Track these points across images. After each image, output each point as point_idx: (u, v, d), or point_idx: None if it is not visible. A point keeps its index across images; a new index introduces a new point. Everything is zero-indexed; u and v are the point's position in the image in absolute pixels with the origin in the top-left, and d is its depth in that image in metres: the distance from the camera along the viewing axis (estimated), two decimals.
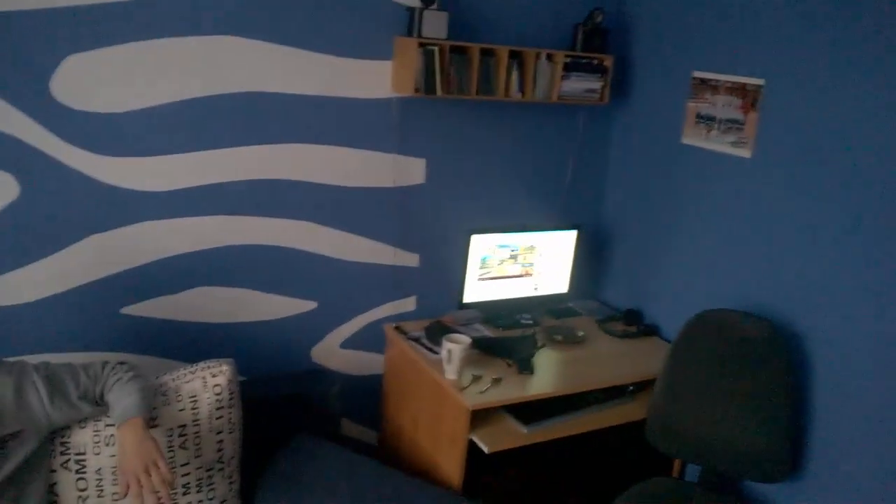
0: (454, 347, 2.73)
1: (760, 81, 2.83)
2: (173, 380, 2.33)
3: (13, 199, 2.47)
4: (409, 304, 3.33)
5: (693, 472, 3.22)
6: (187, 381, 2.32)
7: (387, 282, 3.25)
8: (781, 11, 2.76)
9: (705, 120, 3.08)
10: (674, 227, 3.31)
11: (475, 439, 2.69)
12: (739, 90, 2.92)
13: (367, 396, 3.36)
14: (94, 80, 2.49)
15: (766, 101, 2.83)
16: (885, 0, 2.41)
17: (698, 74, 3.11)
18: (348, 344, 3.24)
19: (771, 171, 2.83)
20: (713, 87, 3.03)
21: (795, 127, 2.73)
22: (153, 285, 2.77)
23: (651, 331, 3.42)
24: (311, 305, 3.10)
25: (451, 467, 2.77)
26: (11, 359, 2.04)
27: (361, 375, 3.32)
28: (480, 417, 2.76)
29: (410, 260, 3.28)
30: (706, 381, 2.73)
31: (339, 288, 3.15)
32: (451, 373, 2.77)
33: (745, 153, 2.91)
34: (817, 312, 2.69)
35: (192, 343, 2.89)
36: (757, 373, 2.65)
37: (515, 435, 2.74)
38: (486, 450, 2.64)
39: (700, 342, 2.77)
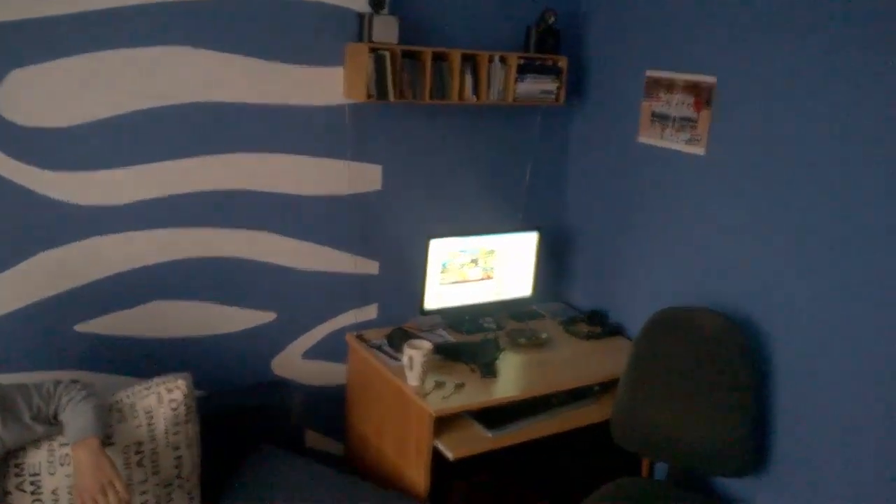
0: (415, 353, 2.77)
1: (712, 79, 2.92)
2: (128, 396, 2.35)
3: None
4: (370, 311, 3.37)
5: (662, 470, 3.29)
6: (143, 398, 2.34)
7: (347, 290, 3.29)
8: (732, 9, 2.84)
9: (660, 118, 3.16)
10: (634, 226, 3.38)
11: (439, 446, 2.73)
12: (693, 88, 3.00)
13: (330, 407, 3.39)
14: (40, 94, 2.50)
15: (718, 99, 2.92)
16: None
17: (652, 73, 3.19)
18: (310, 354, 3.26)
19: (724, 167, 2.92)
20: (667, 85, 3.12)
21: (747, 123, 2.82)
22: (107, 301, 2.78)
23: (616, 331, 3.49)
24: (270, 316, 3.13)
25: (417, 475, 2.80)
26: None
27: (324, 386, 3.35)
28: (445, 424, 2.80)
29: (370, 267, 3.32)
30: (669, 378, 2.80)
31: (299, 298, 3.18)
32: (413, 379, 2.81)
33: (699, 150, 3.00)
34: (776, 306, 2.77)
35: (149, 359, 2.90)
36: (718, 368, 2.72)
37: (480, 440, 2.78)
38: (450, 456, 2.68)
39: (661, 340, 2.85)
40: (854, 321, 2.52)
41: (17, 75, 2.46)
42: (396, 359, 2.99)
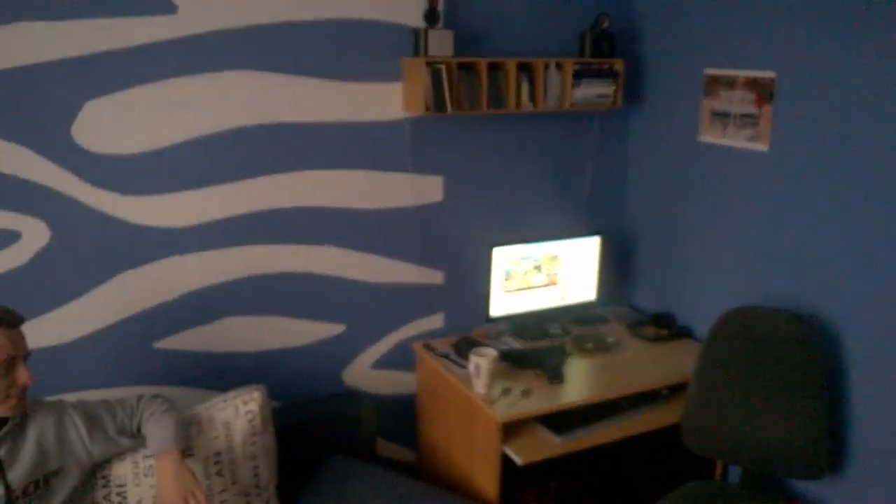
0: (481, 361, 2.83)
1: (772, 74, 2.91)
2: (206, 409, 2.46)
3: (45, 244, 2.65)
4: (436, 321, 3.45)
5: (735, 474, 3.27)
6: (220, 410, 2.46)
7: (413, 300, 3.37)
8: (789, 3, 2.83)
9: (721, 116, 3.16)
10: (697, 226, 3.38)
11: (508, 452, 2.78)
12: (753, 84, 3.00)
13: (401, 415, 3.47)
14: (113, 123, 2.66)
15: (779, 94, 2.90)
16: None
17: (710, 71, 3.19)
18: (379, 364, 3.35)
19: (789, 162, 2.90)
20: (727, 83, 3.11)
21: (810, 117, 2.80)
22: (183, 319, 2.92)
23: (683, 333, 3.48)
24: (339, 328, 3.23)
25: (487, 482, 2.86)
26: (50, 398, 2.19)
27: (395, 395, 3.43)
28: (513, 430, 2.85)
29: (435, 277, 3.40)
30: (739, 380, 2.79)
31: (367, 309, 3.27)
32: (480, 387, 2.86)
33: (762, 147, 2.98)
34: (845, 304, 2.74)
35: (224, 373, 3.03)
36: (789, 368, 2.70)
37: (549, 446, 2.82)
38: (519, 462, 2.72)
39: (730, 341, 2.84)
40: None
41: (91, 106, 2.61)
42: (463, 367, 3.05)
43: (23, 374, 1.97)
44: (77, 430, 2.15)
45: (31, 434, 2.06)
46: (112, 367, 2.83)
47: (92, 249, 2.72)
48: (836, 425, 2.80)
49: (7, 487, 1.97)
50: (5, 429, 2.00)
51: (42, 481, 2.05)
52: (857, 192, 2.66)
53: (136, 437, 2.27)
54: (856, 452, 2.76)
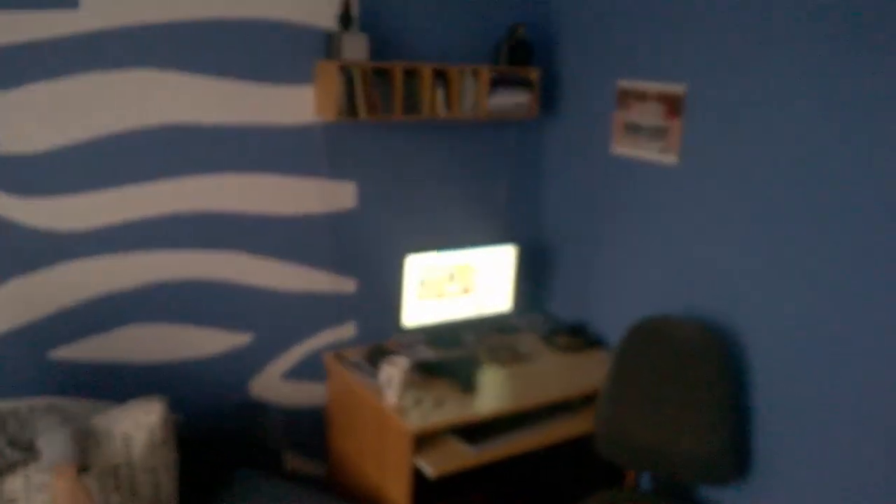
0: (393, 371, 2.83)
1: (682, 87, 3.01)
2: (105, 421, 2.40)
3: None
4: (348, 330, 3.43)
5: (647, 481, 3.35)
6: (119, 422, 2.39)
7: (324, 309, 3.35)
8: (701, 18, 2.94)
9: (633, 129, 3.25)
10: (611, 237, 3.46)
11: (420, 463, 2.78)
12: (664, 97, 3.09)
13: (311, 427, 3.43)
14: (11, 120, 2.56)
15: (688, 107, 3.00)
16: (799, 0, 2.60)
17: (623, 84, 3.28)
18: (288, 375, 3.32)
19: (697, 175, 3.00)
20: (639, 95, 3.20)
21: (718, 131, 2.90)
22: (81, 326, 2.83)
23: (596, 342, 3.56)
24: (247, 338, 3.18)
25: (399, 495, 2.85)
26: None
27: (304, 406, 3.40)
28: (426, 442, 2.85)
29: (347, 285, 3.38)
30: (649, 388, 2.86)
31: (276, 318, 3.23)
32: (392, 397, 2.86)
33: (672, 159, 3.08)
34: (754, 313, 2.85)
35: (125, 384, 2.94)
36: (698, 376, 2.79)
37: (462, 456, 2.83)
38: (430, 473, 2.73)
39: (640, 350, 2.91)
40: (832, 327, 2.59)
41: None
42: (375, 377, 3.04)
43: None
44: None
45: None
46: (4, 377, 2.72)
47: None
48: (742, 432, 2.90)
49: None
50: None
51: None
52: (763, 205, 2.77)
53: (29, 451, 2.19)
54: (761, 458, 2.87)
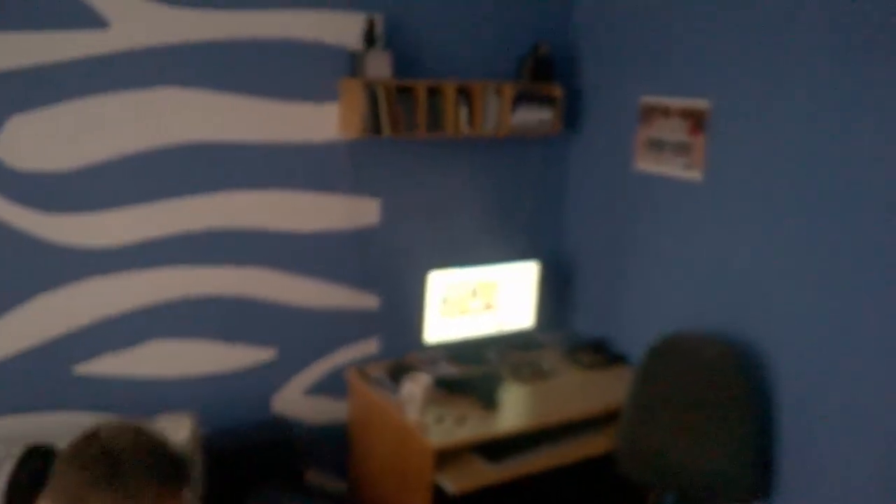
0: (415, 387, 2.85)
1: (706, 103, 3.03)
2: None
3: None
4: (371, 346, 3.46)
5: (670, 501, 3.35)
6: None
7: (347, 325, 3.38)
8: (725, 34, 2.95)
9: (656, 145, 3.26)
10: (634, 253, 3.47)
11: (441, 481, 2.80)
12: (687, 113, 3.11)
13: (332, 444, 3.47)
14: (39, 139, 2.63)
15: (712, 123, 3.02)
16: (823, 16, 2.61)
17: (646, 100, 3.30)
18: (311, 391, 3.35)
19: (721, 191, 3.01)
20: (662, 111, 3.22)
21: (742, 146, 2.91)
22: (106, 342, 2.88)
23: (619, 359, 3.56)
24: (270, 353, 3.22)
25: None
26: None
27: (326, 422, 3.43)
28: (447, 459, 2.87)
29: (370, 301, 3.42)
30: (672, 406, 2.86)
31: (299, 334, 3.27)
32: (413, 413, 2.89)
33: (696, 175, 3.09)
34: (779, 330, 2.84)
35: (149, 398, 2.99)
36: (721, 394, 2.78)
37: (483, 474, 2.85)
38: (452, 490, 2.75)
39: (662, 368, 2.92)
40: (860, 344, 2.59)
41: (16, 121, 2.58)
42: (397, 393, 3.07)
43: None
44: None
45: None
46: (30, 392, 2.78)
47: (9, 269, 2.67)
48: (767, 450, 2.89)
49: None
50: None
51: None
52: (788, 222, 2.77)
53: None
54: (786, 477, 2.86)
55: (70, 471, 1.26)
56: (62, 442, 2.47)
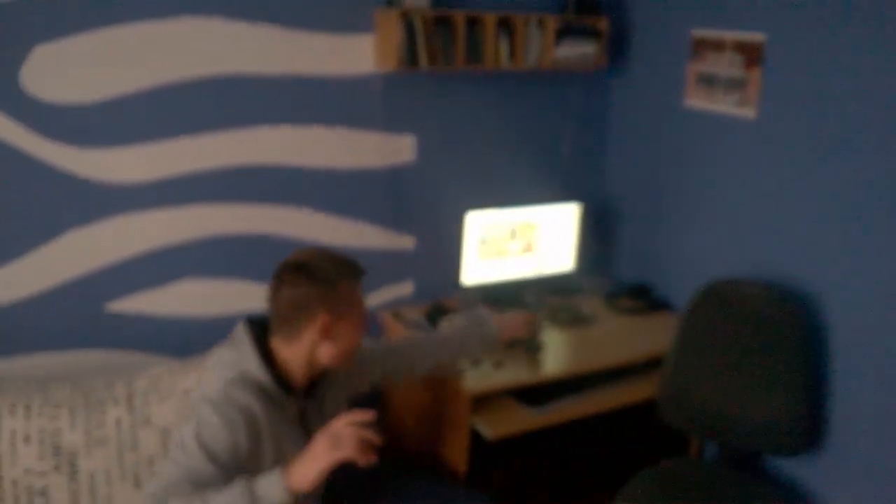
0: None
1: (762, 36, 2.88)
2: (168, 373, 2.41)
3: None
4: (406, 288, 3.41)
5: (712, 451, 3.29)
6: (181, 375, 2.41)
7: (382, 266, 3.32)
8: None
9: (707, 80, 3.13)
10: (680, 195, 3.36)
11: (478, 425, 2.76)
12: (742, 47, 2.96)
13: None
14: (64, 70, 2.57)
15: (768, 57, 2.88)
16: None
17: (697, 33, 3.15)
18: None
19: (776, 130, 2.88)
20: (715, 45, 3.08)
21: (800, 83, 2.77)
22: (137, 279, 2.85)
23: (661, 305, 3.48)
24: None
25: (456, 456, 2.83)
26: None
27: None
28: (484, 404, 2.81)
29: (405, 242, 3.36)
30: (718, 353, 2.79)
31: None
32: None
33: (749, 113, 2.96)
34: (832, 277, 2.74)
35: (180, 338, 2.97)
36: (770, 342, 2.70)
37: (521, 420, 2.79)
38: (489, 435, 2.71)
39: (708, 314, 2.83)
40: None
41: (41, 51, 2.52)
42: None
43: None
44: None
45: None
46: (61, 329, 2.76)
47: (39, 203, 2.64)
48: (816, 401, 2.81)
49: None
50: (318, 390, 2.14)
51: None
52: (847, 163, 2.64)
53: None
54: (835, 430, 2.78)
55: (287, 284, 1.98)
56: (93, 379, 2.47)
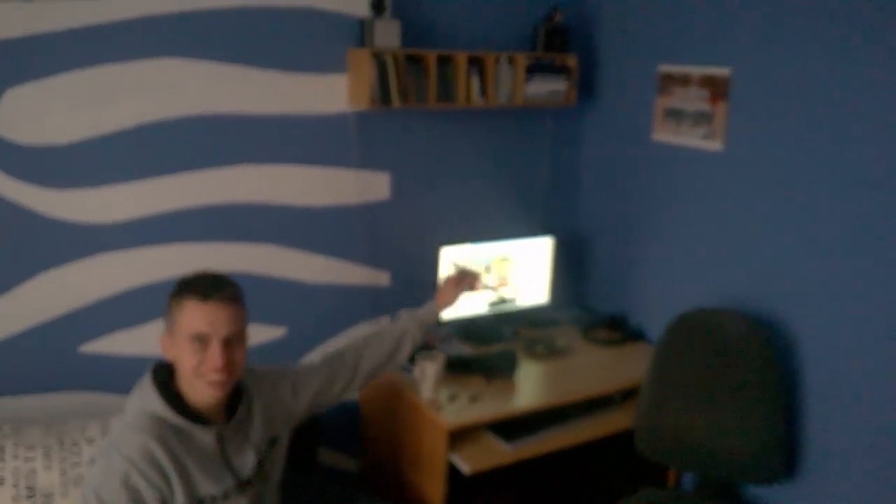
0: (428, 365, 2.80)
1: (726, 71, 2.94)
2: None
3: None
4: (382, 324, 3.41)
5: (690, 482, 3.30)
6: None
7: (358, 302, 3.33)
8: None
9: (675, 114, 3.19)
10: (652, 227, 3.41)
11: (455, 460, 2.75)
12: (708, 81, 3.03)
13: (344, 423, 3.42)
14: (38, 111, 2.57)
15: (733, 91, 2.94)
16: None
17: (664, 68, 3.22)
18: None
19: (743, 162, 2.94)
20: (681, 80, 3.14)
21: (766, 115, 2.83)
22: (112, 320, 2.84)
23: (636, 336, 3.51)
24: (280, 331, 3.18)
25: (433, 491, 2.83)
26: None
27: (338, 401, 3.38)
28: (461, 438, 2.82)
29: (381, 278, 3.37)
30: (693, 383, 2.81)
31: (309, 311, 3.22)
32: (426, 392, 2.84)
33: (716, 146, 3.02)
34: (802, 306, 2.78)
35: None
36: (744, 371, 2.73)
37: (498, 453, 2.80)
38: (466, 470, 2.70)
39: (683, 344, 2.86)
40: (884, 319, 2.52)
41: (13, 93, 2.53)
42: (409, 371, 3.02)
43: (214, 356, 1.88)
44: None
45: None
46: (34, 372, 2.74)
47: (11, 245, 2.62)
48: (792, 429, 2.83)
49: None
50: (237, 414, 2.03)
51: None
52: (813, 193, 2.69)
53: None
54: (812, 457, 2.80)
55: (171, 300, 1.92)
56: (67, 421, 2.45)
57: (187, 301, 1.89)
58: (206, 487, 1.91)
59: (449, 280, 2.75)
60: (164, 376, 1.95)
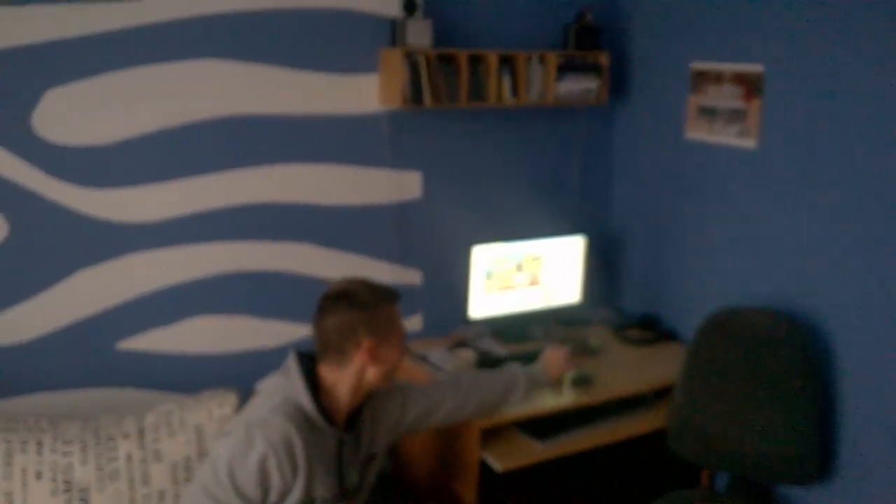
0: (460, 364, 2.81)
1: (760, 68, 2.92)
2: (178, 409, 2.43)
3: (3, 238, 2.60)
4: (414, 322, 3.42)
5: (723, 481, 3.27)
6: (192, 411, 2.43)
7: None
8: None
9: (708, 112, 3.16)
10: (684, 226, 3.38)
11: (487, 458, 2.75)
12: (741, 78, 3.00)
13: None
14: (75, 113, 2.62)
15: (767, 88, 2.91)
16: None
17: (696, 66, 3.19)
18: None
19: (778, 159, 2.91)
20: (714, 77, 3.12)
21: (800, 112, 2.80)
22: (148, 317, 2.88)
23: (669, 335, 3.48)
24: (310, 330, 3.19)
25: (465, 490, 2.83)
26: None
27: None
28: (493, 436, 2.81)
29: (413, 277, 3.38)
30: (727, 383, 2.78)
31: None
32: None
33: (750, 143, 2.99)
34: (836, 306, 2.74)
35: (192, 374, 2.99)
36: (779, 371, 2.70)
37: (530, 451, 2.79)
38: (498, 468, 2.70)
39: (717, 343, 2.83)
40: None
41: (52, 95, 2.58)
42: (443, 370, 3.02)
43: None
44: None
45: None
46: (72, 368, 2.78)
47: (52, 245, 2.67)
48: (827, 429, 2.80)
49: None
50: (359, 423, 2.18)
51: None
52: (849, 190, 2.66)
53: None
54: (847, 458, 2.76)
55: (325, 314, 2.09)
56: (101, 415, 2.48)
57: (392, 307, 2.15)
58: (321, 489, 2.00)
59: (561, 354, 2.83)
60: (309, 367, 2.07)
